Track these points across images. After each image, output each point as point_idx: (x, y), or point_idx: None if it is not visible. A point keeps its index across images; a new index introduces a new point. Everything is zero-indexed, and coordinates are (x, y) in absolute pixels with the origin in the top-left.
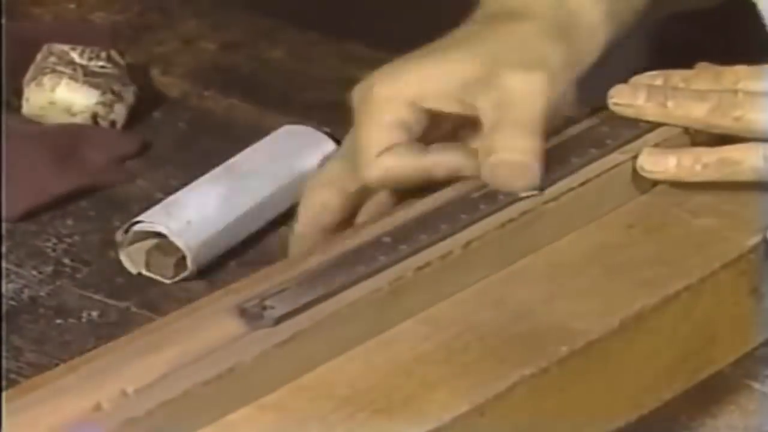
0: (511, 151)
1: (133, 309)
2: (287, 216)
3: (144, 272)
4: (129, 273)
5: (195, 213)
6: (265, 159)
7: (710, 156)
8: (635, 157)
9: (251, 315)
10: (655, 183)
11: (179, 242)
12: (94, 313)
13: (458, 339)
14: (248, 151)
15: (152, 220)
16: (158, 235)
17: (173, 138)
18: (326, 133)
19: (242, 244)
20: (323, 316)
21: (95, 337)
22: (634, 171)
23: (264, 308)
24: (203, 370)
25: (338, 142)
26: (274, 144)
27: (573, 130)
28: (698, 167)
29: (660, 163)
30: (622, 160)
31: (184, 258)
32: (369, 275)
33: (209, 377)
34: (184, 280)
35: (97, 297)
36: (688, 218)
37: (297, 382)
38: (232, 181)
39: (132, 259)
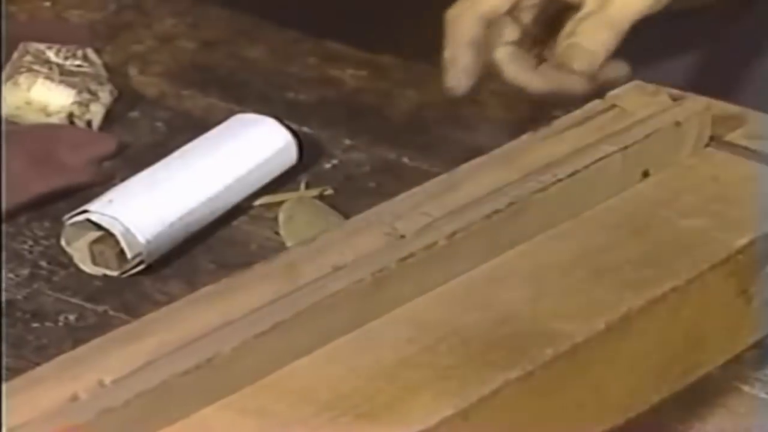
0: (589, 40)
1: (111, 312)
2: (241, 208)
3: (92, 269)
4: (106, 276)
5: (119, 193)
6: (215, 148)
7: None
8: (625, 149)
9: None
10: (645, 174)
11: (100, 219)
12: (72, 317)
13: (442, 342)
14: (199, 140)
15: (85, 208)
16: (97, 226)
17: (151, 138)
18: (280, 121)
19: (222, 245)
20: (305, 306)
21: (73, 340)
22: (624, 163)
23: None
24: (181, 361)
25: (294, 132)
26: (225, 133)
27: (562, 122)
28: None
29: None
30: (611, 152)
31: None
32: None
33: (187, 367)
34: (139, 273)
35: (74, 300)
36: (675, 218)
37: (278, 386)
38: (179, 170)
39: (81, 258)
